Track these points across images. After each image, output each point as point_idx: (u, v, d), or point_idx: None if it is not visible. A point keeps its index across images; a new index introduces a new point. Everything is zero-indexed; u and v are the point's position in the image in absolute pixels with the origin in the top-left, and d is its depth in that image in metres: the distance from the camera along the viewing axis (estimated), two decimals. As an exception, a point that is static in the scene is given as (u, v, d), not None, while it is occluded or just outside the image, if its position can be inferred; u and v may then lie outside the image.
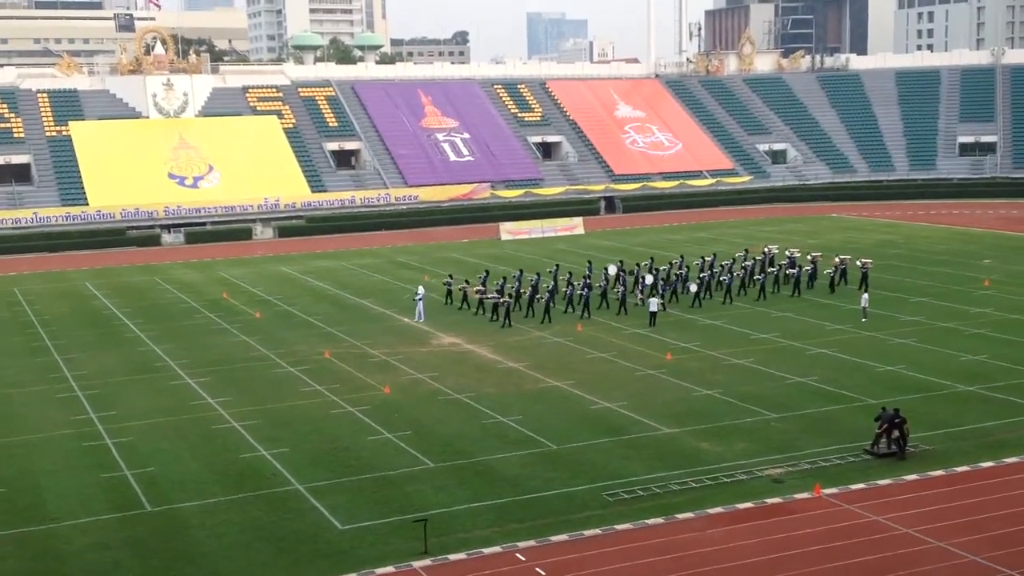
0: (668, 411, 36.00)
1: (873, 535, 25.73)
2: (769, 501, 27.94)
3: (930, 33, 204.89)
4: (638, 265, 59.16)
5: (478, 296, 53.27)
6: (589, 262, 61.65)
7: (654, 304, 50.49)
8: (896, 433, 30.49)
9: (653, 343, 46.24)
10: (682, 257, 61.37)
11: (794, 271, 57.08)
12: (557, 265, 61.17)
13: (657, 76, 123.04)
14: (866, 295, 51.03)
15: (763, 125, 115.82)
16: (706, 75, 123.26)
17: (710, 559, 24.55)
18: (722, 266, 58.76)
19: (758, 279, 56.56)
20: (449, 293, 56.16)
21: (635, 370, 41.78)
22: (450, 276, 58.23)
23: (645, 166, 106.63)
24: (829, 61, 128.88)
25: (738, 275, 56.88)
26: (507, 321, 50.23)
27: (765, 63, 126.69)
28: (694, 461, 31.03)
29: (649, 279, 55.41)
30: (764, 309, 52.93)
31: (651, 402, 37.11)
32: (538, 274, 57.65)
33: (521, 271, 58.30)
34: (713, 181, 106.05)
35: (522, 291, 53.90)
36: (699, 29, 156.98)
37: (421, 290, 53.74)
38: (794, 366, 41.60)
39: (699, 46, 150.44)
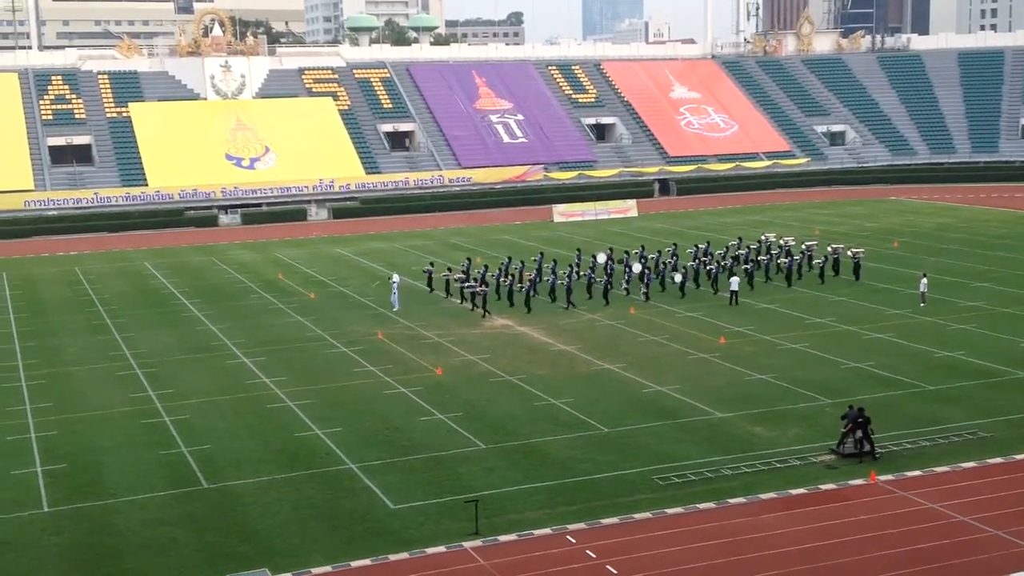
0: (721, 395, 35.79)
1: (928, 522, 25.41)
2: (823, 487, 27.69)
3: (994, 13, 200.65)
4: (627, 253, 58.44)
5: (458, 284, 52.66)
6: (578, 250, 60.94)
7: (734, 283, 50.16)
8: (859, 433, 29.27)
9: (706, 327, 45.96)
10: (675, 245, 60.37)
11: (787, 261, 55.78)
12: (541, 253, 60.07)
13: (713, 57, 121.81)
14: (925, 279, 50.21)
15: (821, 106, 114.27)
16: (764, 56, 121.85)
17: (762, 544, 24.40)
18: (710, 255, 57.96)
19: (747, 268, 54.74)
20: (431, 280, 55.88)
21: (688, 354, 41.57)
22: (431, 264, 58.08)
23: (700, 148, 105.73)
24: (890, 41, 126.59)
25: (726, 265, 55.27)
26: (485, 311, 49.35)
27: (824, 43, 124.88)
28: (747, 446, 30.84)
29: (637, 267, 54.60)
30: (820, 293, 52.36)
31: (704, 386, 36.92)
32: (522, 262, 57.02)
33: (509, 259, 57.37)
34: (769, 163, 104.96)
35: (502, 280, 52.88)
36: (757, 9, 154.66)
37: (396, 277, 53.54)
38: (850, 351, 41.13)
39: (757, 26, 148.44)
